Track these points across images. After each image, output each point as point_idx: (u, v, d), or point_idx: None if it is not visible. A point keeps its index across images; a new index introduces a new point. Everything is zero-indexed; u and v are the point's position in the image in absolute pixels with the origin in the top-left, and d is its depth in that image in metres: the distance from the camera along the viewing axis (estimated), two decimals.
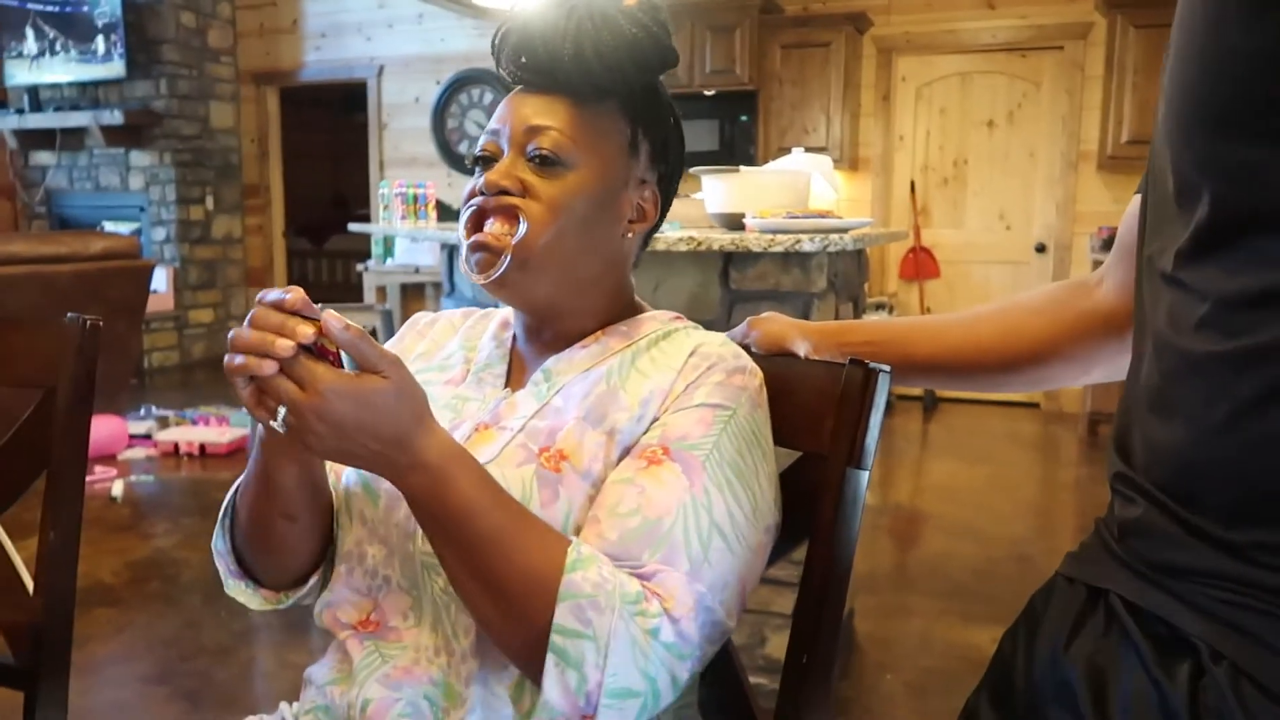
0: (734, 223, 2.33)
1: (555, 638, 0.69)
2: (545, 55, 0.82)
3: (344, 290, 8.52)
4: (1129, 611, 0.66)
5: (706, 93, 5.85)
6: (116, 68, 6.51)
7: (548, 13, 0.83)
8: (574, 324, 0.89)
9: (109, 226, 6.98)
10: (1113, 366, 0.94)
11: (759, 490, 0.81)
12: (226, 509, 0.89)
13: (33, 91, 6.90)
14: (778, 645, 2.27)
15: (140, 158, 6.84)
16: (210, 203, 7.01)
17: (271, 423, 0.68)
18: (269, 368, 0.65)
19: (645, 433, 0.81)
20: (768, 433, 0.85)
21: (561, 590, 0.70)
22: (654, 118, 0.88)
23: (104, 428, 4.05)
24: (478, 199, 0.84)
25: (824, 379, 0.90)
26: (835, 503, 0.87)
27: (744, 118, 5.84)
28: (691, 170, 2.59)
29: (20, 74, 6.83)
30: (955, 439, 5.21)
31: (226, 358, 0.67)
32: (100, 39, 6.52)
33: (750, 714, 0.95)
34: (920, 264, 5.94)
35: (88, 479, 3.80)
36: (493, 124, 0.86)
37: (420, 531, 0.78)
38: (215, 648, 2.45)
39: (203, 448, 4.33)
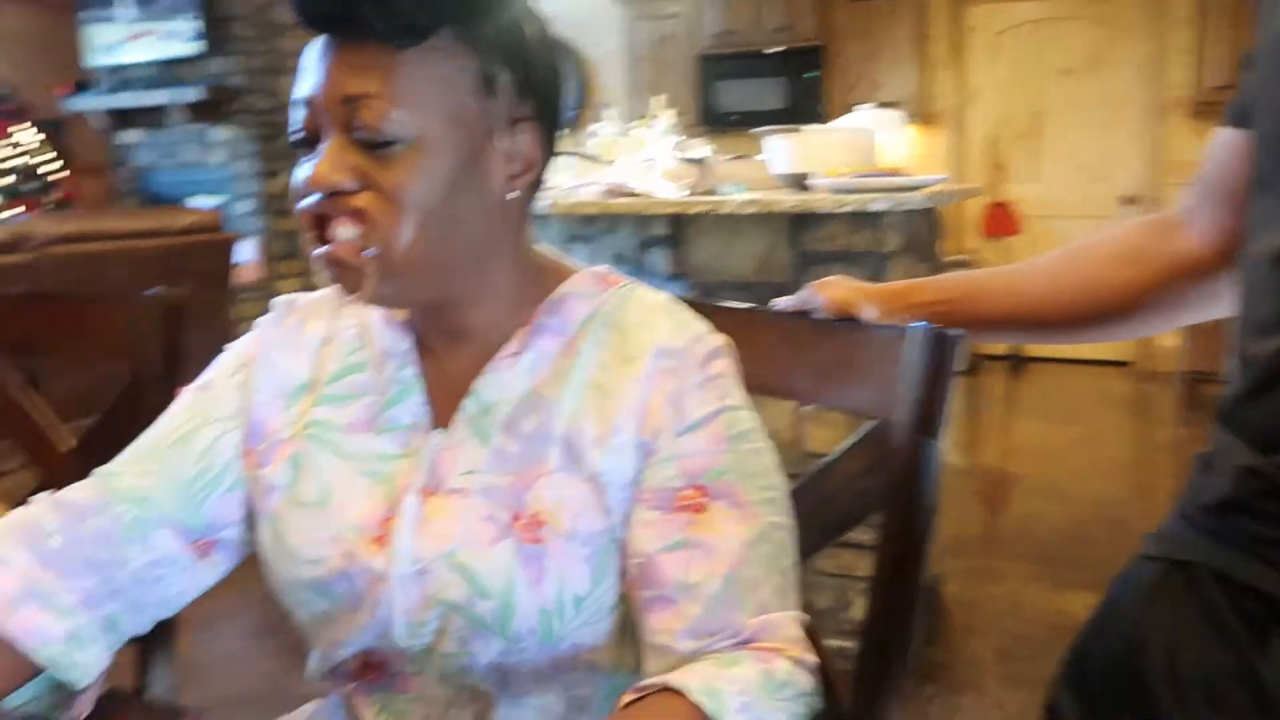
0: (799, 183, 2.29)
1: None
2: None
3: None
4: (1218, 584, 0.64)
5: (769, 51, 5.74)
6: (193, 45, 6.66)
7: None
8: (481, 315, 0.74)
9: (195, 201, 7.19)
10: (1202, 313, 0.89)
11: (777, 477, 0.74)
12: None
13: (116, 72, 7.11)
14: (862, 609, 2.27)
15: (220, 133, 7.00)
16: (289, 175, 7.16)
17: None
18: None
19: (647, 468, 0.70)
20: (745, 398, 0.75)
21: None
22: (506, 37, 0.69)
23: None
24: (311, 198, 0.66)
25: (892, 344, 0.88)
26: (907, 472, 0.86)
27: (810, 74, 5.72)
28: (752, 131, 2.55)
29: (104, 56, 7.04)
30: (1044, 399, 5.08)
31: None
32: (178, 19, 6.66)
33: (827, 679, 0.95)
34: (1000, 220, 5.77)
35: None
36: (301, 90, 0.67)
37: (422, 584, 0.70)
38: None
39: None
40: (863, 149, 2.42)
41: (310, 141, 0.67)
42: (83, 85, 7.32)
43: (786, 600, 0.69)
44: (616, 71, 6.12)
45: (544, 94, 0.72)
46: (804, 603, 0.72)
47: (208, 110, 6.89)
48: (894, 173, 2.20)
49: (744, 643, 0.66)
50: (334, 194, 0.65)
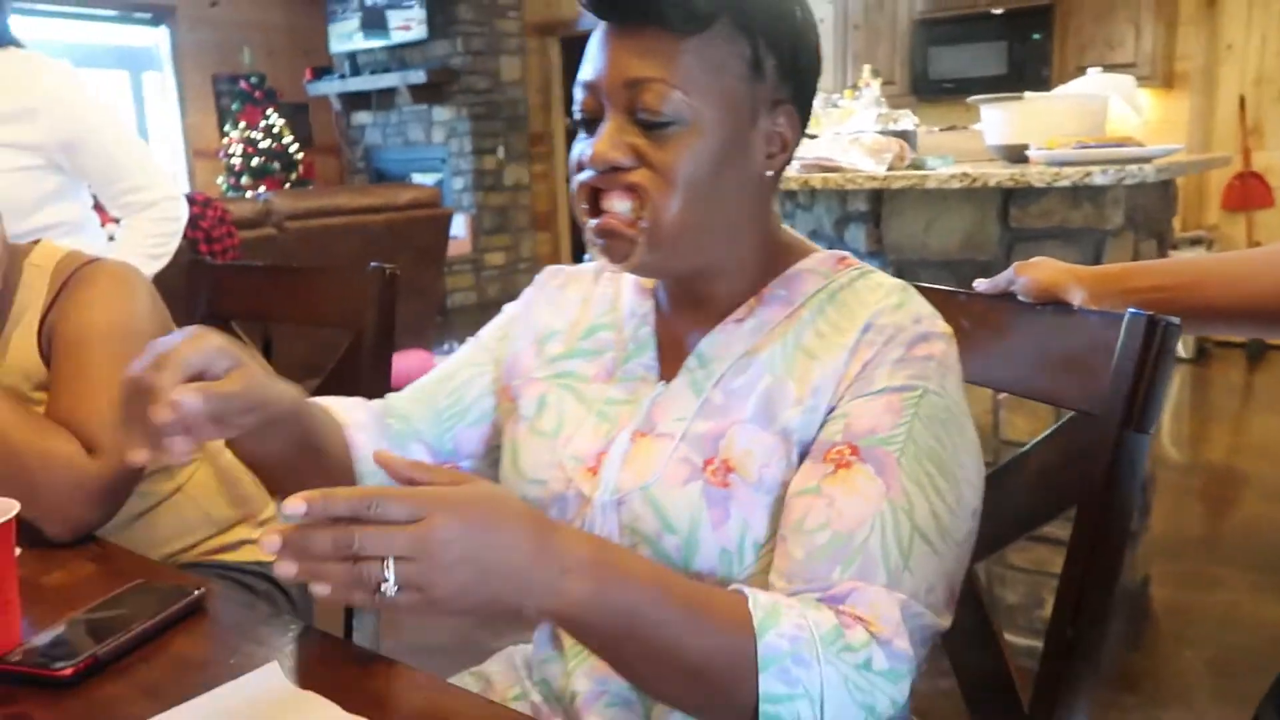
0: (1016, 155, 2.16)
1: (766, 707, 0.61)
2: None
3: None
4: None
5: (994, 11, 5.40)
6: (419, 30, 7.08)
7: None
8: (724, 285, 0.78)
9: (416, 178, 7.67)
10: None
11: (960, 473, 0.71)
12: None
13: (352, 58, 7.68)
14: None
15: (441, 113, 7.42)
16: (501, 153, 7.50)
17: (382, 590, 0.52)
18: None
19: (823, 425, 0.72)
20: (962, 398, 0.74)
21: (760, 658, 0.61)
22: (775, 22, 0.73)
23: (413, 361, 4.51)
24: (588, 173, 0.72)
25: (1100, 332, 0.82)
26: (1109, 469, 0.80)
27: (1036, 36, 5.34)
28: (970, 99, 2.42)
29: (341, 43, 7.61)
30: None
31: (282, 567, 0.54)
32: (409, 7, 7.09)
33: (1010, 684, 0.91)
34: (1249, 192, 5.20)
35: None
36: (586, 74, 0.73)
37: (619, 513, 0.75)
38: None
39: None
40: (1091, 116, 2.23)
41: (589, 122, 0.73)
42: (323, 71, 7.95)
43: (899, 583, 0.66)
44: (827, 40, 5.96)
45: (803, 77, 0.76)
46: (987, 600, 0.69)
47: (430, 91, 7.31)
48: (1124, 142, 2.02)
49: (832, 600, 0.66)
50: (610, 170, 0.71)
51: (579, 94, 0.74)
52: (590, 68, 0.73)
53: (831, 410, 0.72)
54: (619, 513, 0.75)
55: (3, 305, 1.08)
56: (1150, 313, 0.79)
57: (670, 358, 0.80)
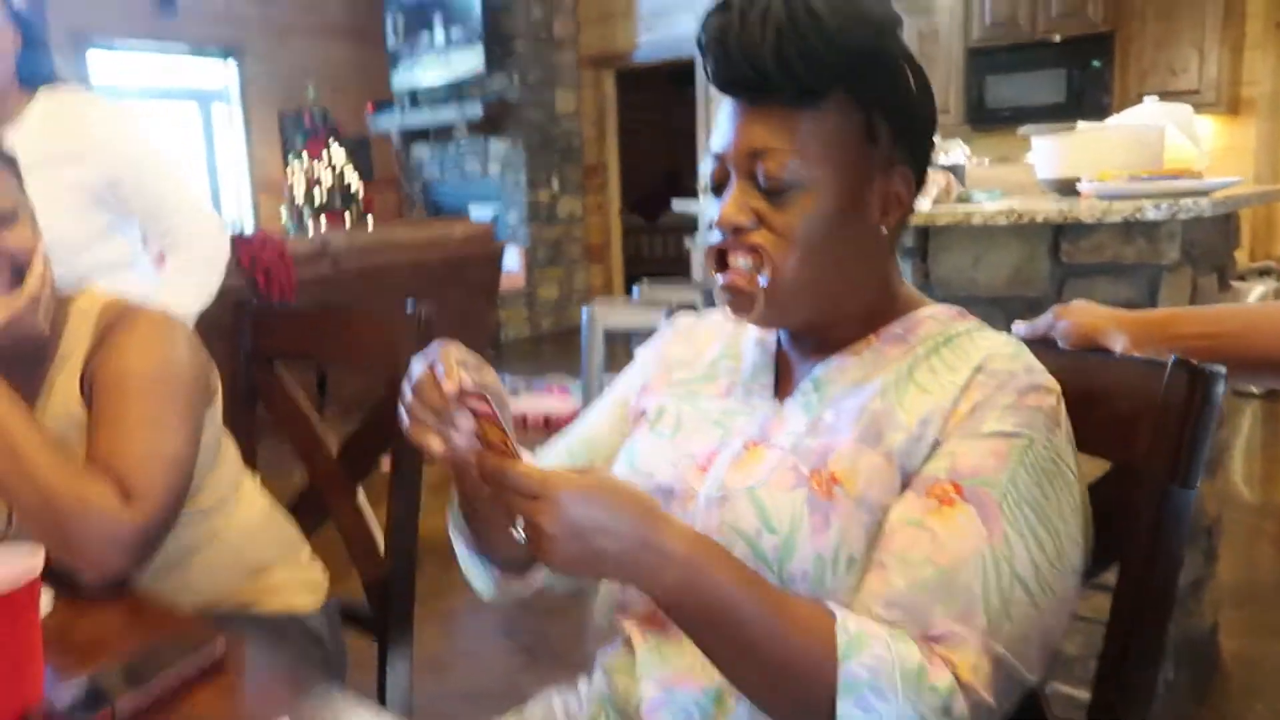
0: (1068, 188, 2.11)
1: None
2: (748, 67, 0.75)
3: (675, 263, 8.84)
4: None
5: (1052, 39, 5.32)
6: (476, 64, 7.21)
7: (740, 18, 0.75)
8: (841, 331, 0.83)
9: (473, 210, 7.79)
10: None
11: (1063, 528, 0.73)
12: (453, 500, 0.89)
13: (412, 94, 7.85)
14: None
15: (497, 146, 7.54)
16: (556, 185, 7.58)
17: (512, 532, 0.66)
18: (437, 445, 0.70)
19: (928, 459, 0.74)
20: (1070, 454, 0.76)
21: (840, 684, 0.66)
22: (889, 93, 0.78)
23: None
24: (715, 235, 0.79)
25: (1142, 380, 0.79)
26: (1152, 526, 0.77)
27: (1096, 63, 5.25)
28: (1021, 130, 2.37)
29: (403, 78, 7.79)
30: None
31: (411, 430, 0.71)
32: (469, 45, 7.23)
33: None
34: None
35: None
36: (714, 145, 0.80)
37: (721, 509, 0.78)
38: (552, 607, 2.61)
39: (547, 420, 4.67)
40: (1147, 147, 2.17)
41: (718, 187, 0.80)
42: (384, 105, 8.13)
43: (998, 631, 0.68)
44: None
45: (917, 140, 0.81)
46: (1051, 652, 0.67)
47: (487, 124, 7.43)
48: (1181, 173, 1.96)
49: (926, 639, 0.68)
50: (735, 230, 0.77)
51: (710, 163, 0.80)
52: (718, 139, 0.80)
53: (938, 444, 0.74)
54: (721, 509, 0.78)
55: (48, 350, 1.11)
56: (1194, 361, 0.76)
57: (788, 382, 0.85)
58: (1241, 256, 5.10)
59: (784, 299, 0.78)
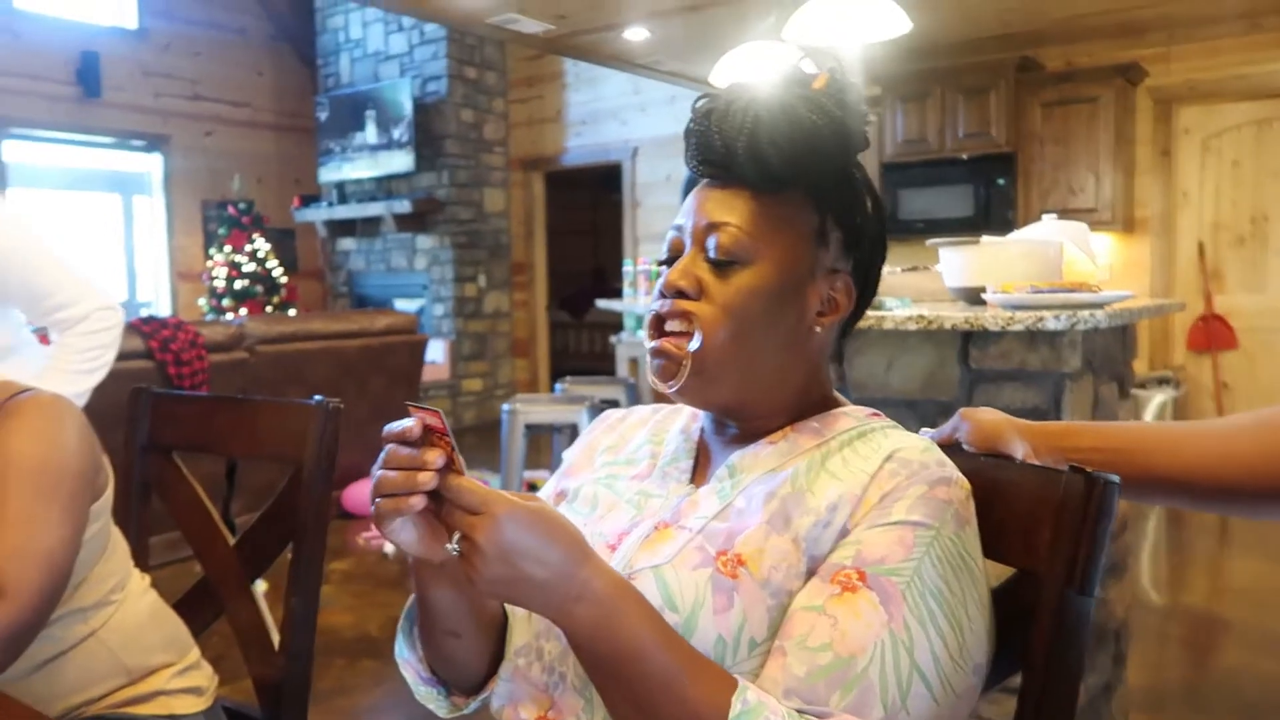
0: (974, 297, 2.19)
1: None
2: (722, 149, 0.81)
3: (601, 359, 8.89)
4: None
5: (960, 157, 5.62)
6: (407, 162, 7.28)
7: (725, 106, 0.81)
8: (761, 421, 0.85)
9: (399, 303, 7.75)
10: None
11: (967, 623, 0.73)
12: (406, 617, 0.89)
13: (339, 187, 7.87)
14: None
15: (424, 241, 7.56)
16: (483, 280, 7.60)
17: (448, 546, 0.68)
18: (418, 503, 0.67)
19: (835, 547, 0.74)
20: (977, 552, 0.77)
21: None
22: (845, 204, 0.84)
23: None
24: (658, 300, 0.83)
25: (1041, 486, 0.81)
26: (1051, 631, 0.77)
27: (1001, 181, 5.55)
28: (929, 242, 2.48)
29: (330, 172, 7.81)
30: (1265, 533, 4.55)
31: (374, 503, 0.69)
32: (401, 144, 7.31)
33: None
34: (1213, 333, 5.31)
35: (365, 536, 4.18)
36: (678, 219, 0.85)
37: None
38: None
39: None
40: (1048, 260, 2.29)
41: (671, 260, 0.84)
42: (310, 198, 8.12)
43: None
44: None
45: (866, 256, 0.86)
46: None
47: (415, 220, 7.46)
48: (1079, 287, 2.06)
49: None
50: (677, 294, 0.81)
51: (670, 233, 0.85)
52: (681, 214, 0.85)
53: (845, 533, 0.74)
54: None
55: None
56: (1090, 470, 0.77)
57: (706, 469, 0.87)
58: (1141, 366, 5.35)
59: (709, 369, 0.80)
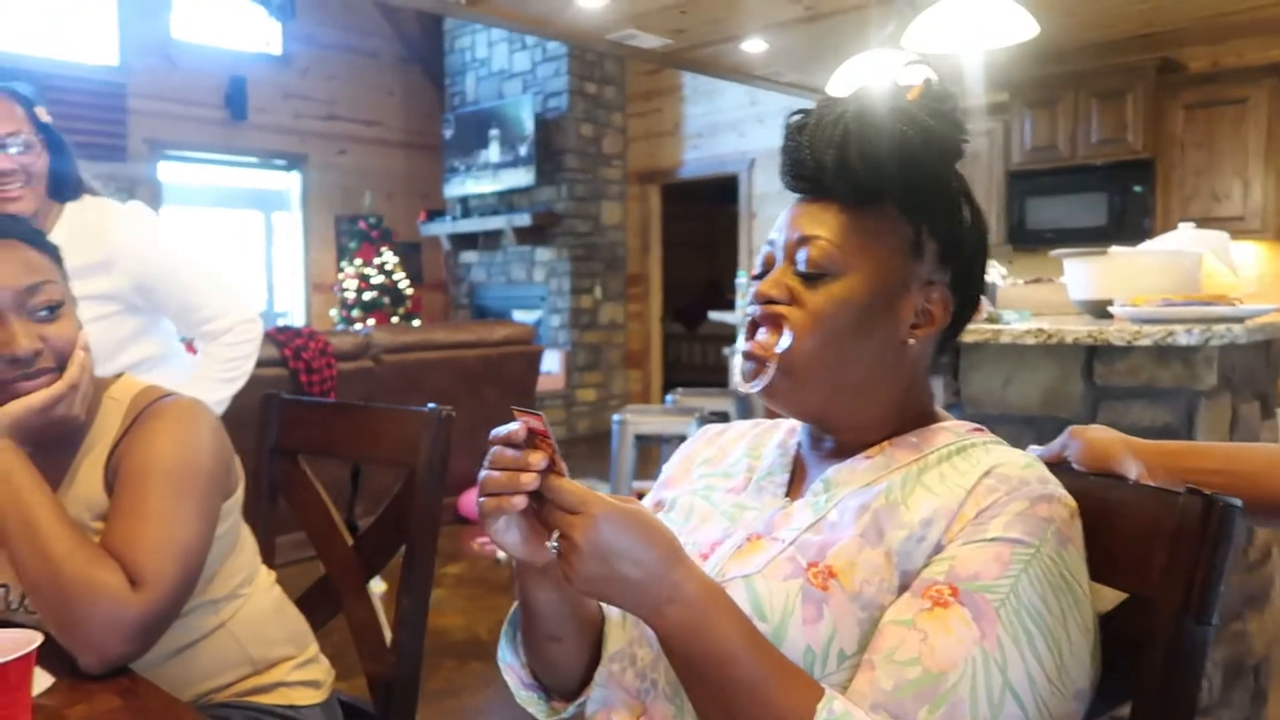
0: (1101, 311, 2.10)
1: None
2: (813, 164, 0.81)
3: (714, 371, 8.87)
4: None
5: (1092, 164, 5.38)
6: (527, 177, 7.47)
7: (816, 121, 0.82)
8: (855, 434, 0.84)
9: (517, 314, 7.93)
10: None
11: (1067, 646, 0.70)
12: (510, 623, 0.92)
13: (463, 201, 8.12)
14: None
15: (543, 254, 7.73)
16: (598, 292, 7.71)
17: (548, 544, 0.71)
18: (520, 502, 0.70)
19: (929, 562, 0.73)
20: (1082, 574, 0.74)
21: None
22: (941, 216, 0.83)
23: None
24: (751, 307, 0.84)
25: (1155, 508, 0.77)
26: (1165, 660, 0.74)
27: (1138, 188, 5.28)
28: (1053, 253, 2.38)
29: (455, 188, 8.08)
30: None
31: (479, 501, 0.72)
32: (518, 153, 7.51)
33: None
34: None
35: (478, 541, 4.29)
36: (771, 234, 0.86)
37: None
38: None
39: None
40: (1184, 272, 2.17)
41: (764, 273, 0.85)
42: (435, 213, 8.41)
43: None
44: None
45: (965, 267, 0.84)
46: None
47: (534, 233, 7.64)
48: (1217, 299, 1.95)
49: None
50: (768, 302, 0.81)
51: (764, 249, 0.86)
52: (774, 228, 0.86)
53: (940, 548, 0.73)
54: None
55: (79, 435, 1.14)
56: (1209, 492, 0.74)
57: (800, 484, 0.87)
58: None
59: (797, 372, 0.80)
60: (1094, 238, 5.21)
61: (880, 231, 0.81)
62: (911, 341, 0.82)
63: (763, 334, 0.82)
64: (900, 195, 0.81)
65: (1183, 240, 2.27)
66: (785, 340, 0.80)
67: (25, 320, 1.08)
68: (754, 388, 0.82)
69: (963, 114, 0.82)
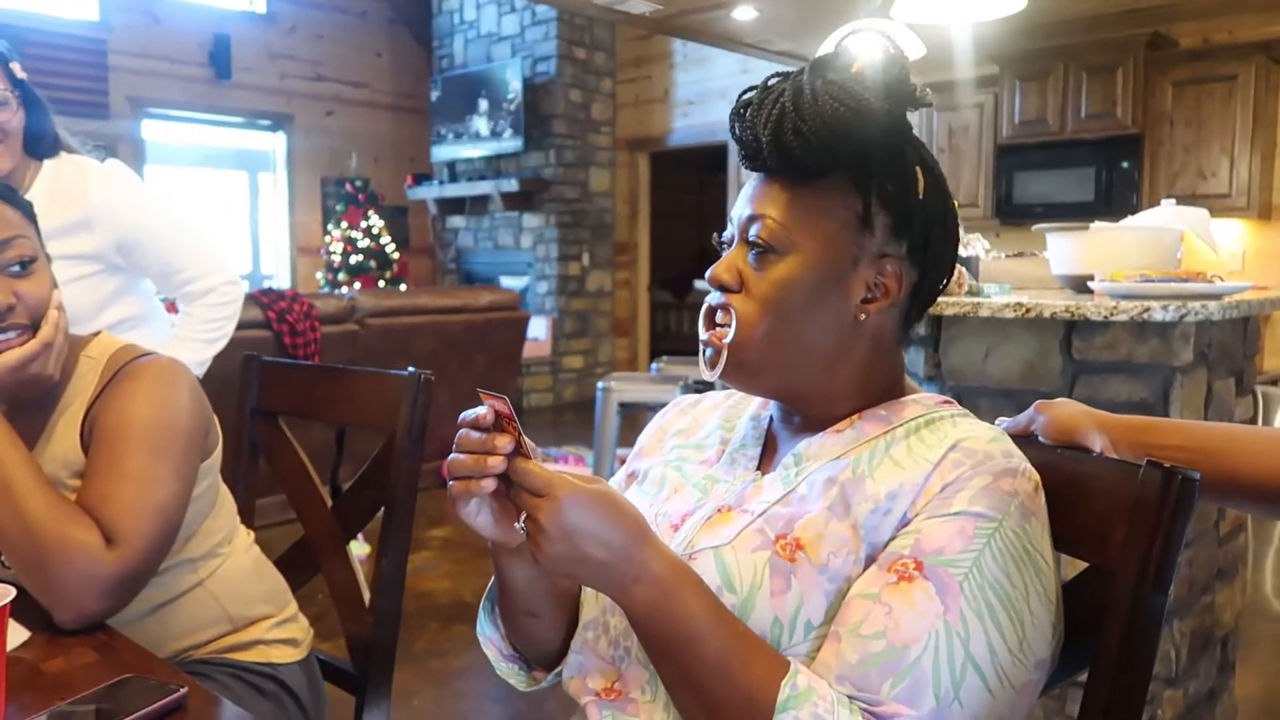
0: (1082, 286, 2.11)
1: None
2: (753, 141, 0.81)
3: None
4: None
5: (1080, 139, 5.38)
6: (515, 142, 7.41)
7: (760, 99, 0.81)
8: (823, 408, 0.85)
9: (504, 280, 7.91)
10: None
11: (1029, 618, 0.72)
12: (488, 598, 0.94)
13: (450, 165, 8.06)
14: None
15: (530, 220, 7.69)
16: (586, 259, 7.69)
17: (516, 525, 0.73)
18: (488, 485, 0.71)
19: (894, 536, 0.74)
20: (1045, 546, 0.75)
21: None
22: (893, 186, 0.81)
23: None
24: (711, 297, 0.85)
25: (1116, 481, 0.79)
26: (1123, 631, 0.75)
27: (1125, 164, 5.29)
28: (1035, 227, 2.39)
29: (442, 152, 8.01)
30: None
31: (449, 485, 0.73)
32: (506, 118, 7.45)
33: None
34: None
35: None
36: (732, 210, 0.87)
37: None
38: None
39: None
40: (1164, 248, 2.18)
41: (727, 248, 0.86)
42: (423, 177, 8.35)
43: (947, 714, 0.68)
44: None
45: (920, 238, 0.83)
46: None
47: (522, 199, 7.60)
48: (1196, 276, 1.96)
49: (872, 714, 0.68)
50: (722, 288, 0.82)
51: (728, 227, 0.86)
52: (735, 206, 0.86)
53: (906, 522, 0.74)
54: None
55: (55, 393, 1.14)
56: (1169, 464, 0.75)
57: (772, 457, 0.87)
58: (1276, 362, 5.04)
59: (748, 360, 0.82)
60: (1082, 213, 5.22)
61: (828, 207, 0.81)
62: (863, 317, 0.82)
63: (719, 318, 0.83)
64: (844, 169, 0.80)
65: (1164, 217, 2.28)
66: (730, 334, 0.81)
67: None
68: (712, 376, 0.83)
69: (915, 82, 0.81)
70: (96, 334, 1.22)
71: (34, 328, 1.09)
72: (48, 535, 0.97)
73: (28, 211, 1.13)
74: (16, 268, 1.09)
